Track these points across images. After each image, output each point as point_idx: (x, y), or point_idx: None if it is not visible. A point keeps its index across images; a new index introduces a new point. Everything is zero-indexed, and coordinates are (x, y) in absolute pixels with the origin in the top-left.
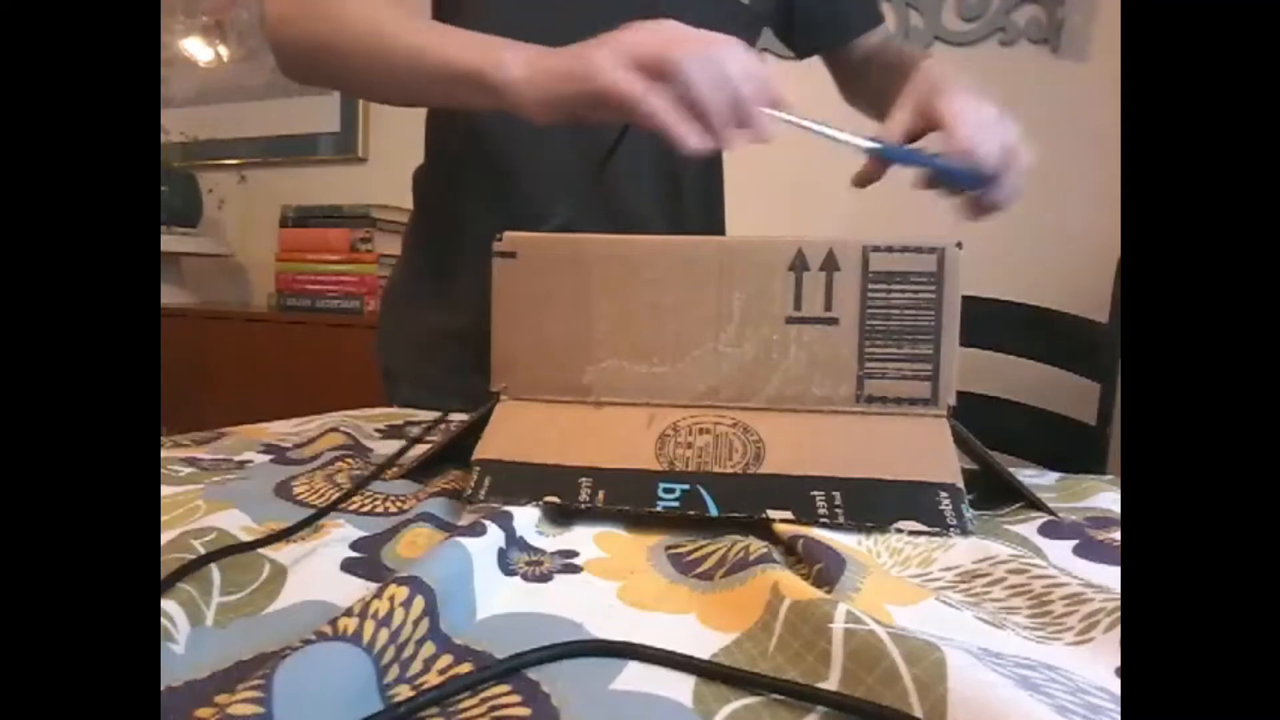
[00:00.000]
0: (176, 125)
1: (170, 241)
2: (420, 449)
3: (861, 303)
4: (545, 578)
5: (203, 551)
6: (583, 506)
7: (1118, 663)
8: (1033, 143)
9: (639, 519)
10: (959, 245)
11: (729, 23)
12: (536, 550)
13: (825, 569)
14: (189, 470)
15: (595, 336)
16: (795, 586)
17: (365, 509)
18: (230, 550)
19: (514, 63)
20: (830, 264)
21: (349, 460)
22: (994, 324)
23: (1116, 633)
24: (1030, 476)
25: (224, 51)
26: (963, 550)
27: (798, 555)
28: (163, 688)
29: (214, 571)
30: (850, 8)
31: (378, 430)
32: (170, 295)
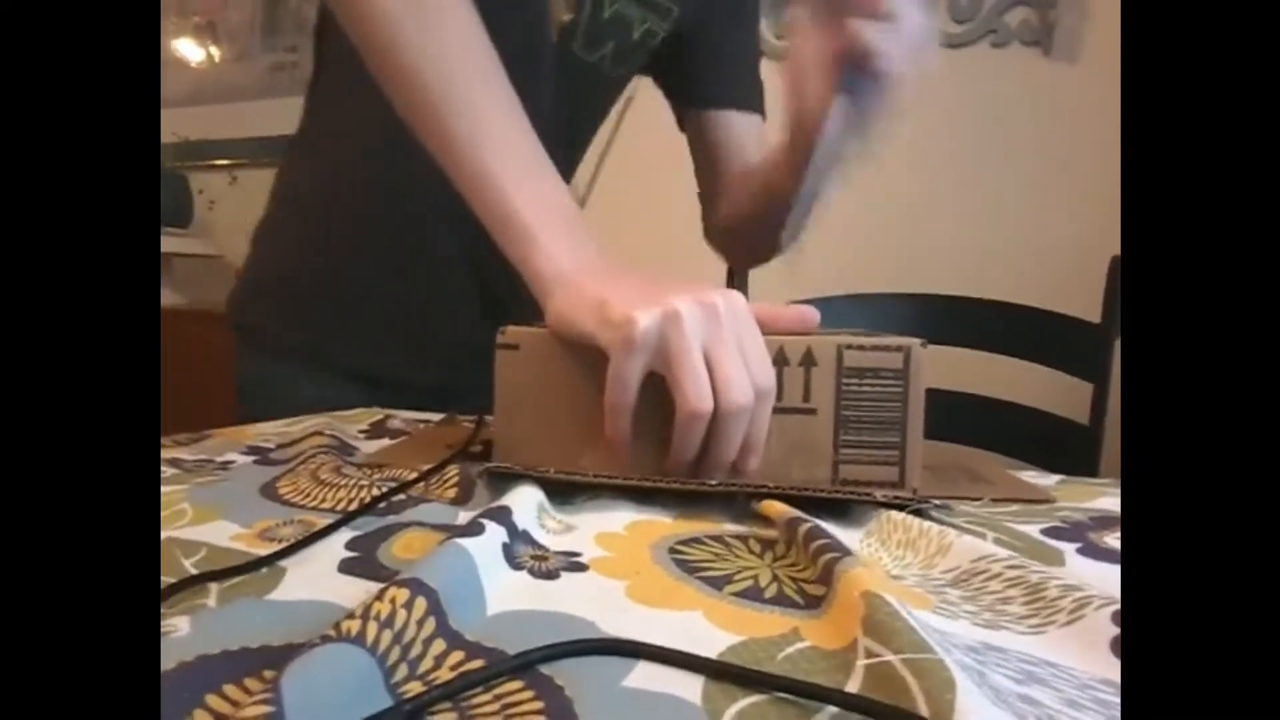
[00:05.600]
0: (168, 126)
1: (162, 242)
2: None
3: (837, 395)
4: (552, 575)
5: (193, 572)
6: (587, 477)
7: (1110, 636)
8: (1024, 143)
9: (640, 507)
10: (924, 344)
11: (596, 88)
12: (540, 546)
13: (829, 545)
14: (172, 471)
15: (591, 422)
16: (815, 629)
17: (354, 505)
18: (228, 572)
19: (559, 273)
20: (808, 360)
21: (332, 457)
22: (986, 324)
23: (1108, 610)
24: (1031, 478)
25: (215, 52)
26: (962, 552)
27: (797, 541)
28: (174, 664)
29: (210, 587)
30: (721, 80)
31: (361, 431)
32: (161, 296)
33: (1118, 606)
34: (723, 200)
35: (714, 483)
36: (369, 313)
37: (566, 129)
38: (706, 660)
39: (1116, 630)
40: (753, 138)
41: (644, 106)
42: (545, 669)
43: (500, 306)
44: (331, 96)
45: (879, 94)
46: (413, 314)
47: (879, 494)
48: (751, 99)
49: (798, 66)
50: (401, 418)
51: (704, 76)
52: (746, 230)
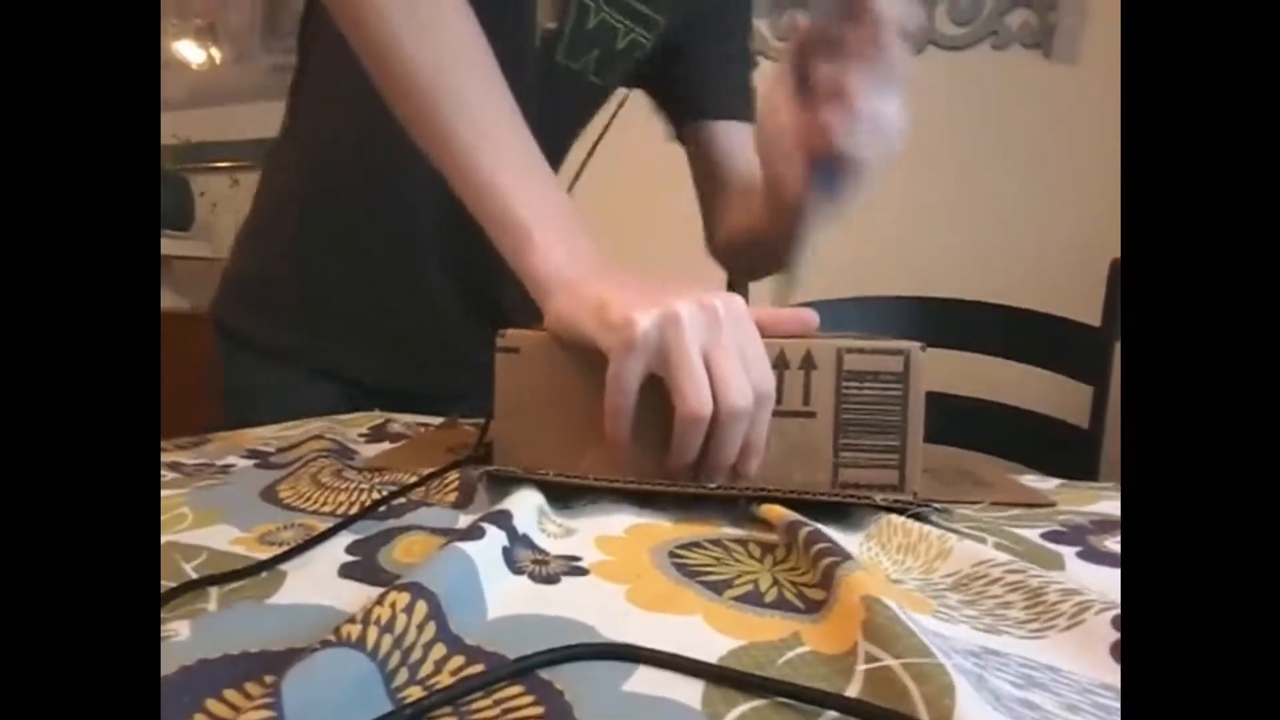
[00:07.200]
0: (169, 128)
1: (163, 245)
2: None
3: (837, 398)
4: (552, 579)
5: (194, 575)
6: (587, 480)
7: (1111, 640)
8: (1024, 145)
9: (640, 510)
10: (923, 347)
11: (579, 96)
12: (540, 550)
13: (829, 549)
14: (172, 475)
15: (591, 425)
16: (815, 634)
17: (354, 509)
18: (228, 576)
19: (558, 274)
20: (808, 363)
21: (332, 461)
22: (986, 327)
23: (1108, 615)
24: (1031, 482)
25: (216, 54)
26: (962, 556)
27: (797, 545)
28: (175, 668)
29: (211, 591)
30: (715, 91)
31: (361, 435)
32: (162, 299)
33: (1117, 611)
34: (723, 213)
35: (713, 486)
36: (354, 316)
37: (549, 136)
38: (706, 665)
39: (1116, 635)
40: (749, 146)
41: (637, 108)
42: (545, 674)
43: (486, 311)
44: (316, 96)
45: (851, 181)
46: (398, 318)
47: (879, 497)
48: (747, 109)
49: (772, 148)
50: (402, 422)
51: (697, 88)
52: (747, 246)
